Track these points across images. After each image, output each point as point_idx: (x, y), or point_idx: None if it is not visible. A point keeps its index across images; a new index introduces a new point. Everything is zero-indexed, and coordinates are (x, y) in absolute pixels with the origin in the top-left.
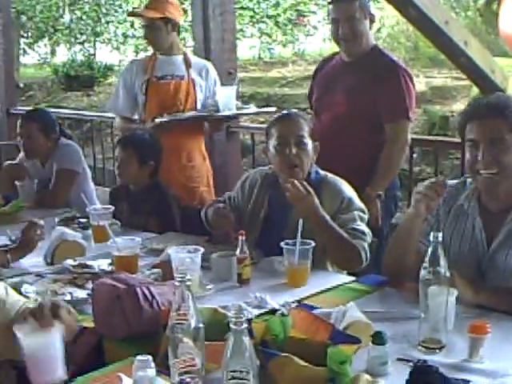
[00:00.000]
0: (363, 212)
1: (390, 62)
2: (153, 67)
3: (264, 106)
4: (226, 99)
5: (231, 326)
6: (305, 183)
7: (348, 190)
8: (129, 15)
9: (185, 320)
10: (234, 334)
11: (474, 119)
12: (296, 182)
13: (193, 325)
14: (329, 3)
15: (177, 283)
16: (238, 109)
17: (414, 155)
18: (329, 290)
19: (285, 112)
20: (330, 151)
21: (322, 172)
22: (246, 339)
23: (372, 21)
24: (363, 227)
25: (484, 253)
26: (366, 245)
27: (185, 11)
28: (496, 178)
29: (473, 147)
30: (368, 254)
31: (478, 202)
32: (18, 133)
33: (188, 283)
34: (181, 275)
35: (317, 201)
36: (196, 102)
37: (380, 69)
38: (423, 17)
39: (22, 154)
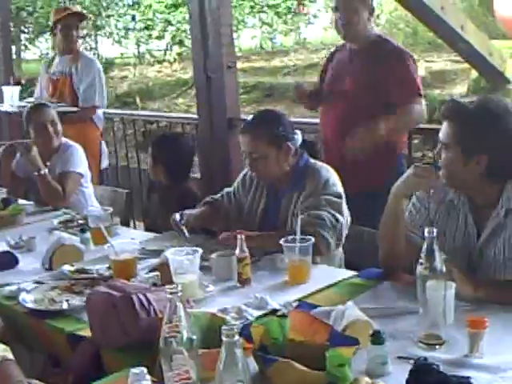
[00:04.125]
0: (337, 196)
1: (397, 48)
2: None
3: (267, 96)
4: (10, 96)
5: (223, 338)
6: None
7: (327, 173)
8: None
9: (177, 332)
10: (226, 347)
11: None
12: (227, 237)
13: (185, 336)
14: None
15: (168, 295)
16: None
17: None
18: (329, 286)
19: (244, 124)
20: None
21: (311, 161)
22: (239, 351)
23: (371, 13)
24: (325, 213)
25: (474, 247)
26: (324, 231)
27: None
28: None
29: None
30: (330, 240)
31: (467, 197)
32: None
33: (179, 294)
34: (171, 287)
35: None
36: (75, 95)
37: (388, 55)
38: (419, 3)
39: (18, 155)
